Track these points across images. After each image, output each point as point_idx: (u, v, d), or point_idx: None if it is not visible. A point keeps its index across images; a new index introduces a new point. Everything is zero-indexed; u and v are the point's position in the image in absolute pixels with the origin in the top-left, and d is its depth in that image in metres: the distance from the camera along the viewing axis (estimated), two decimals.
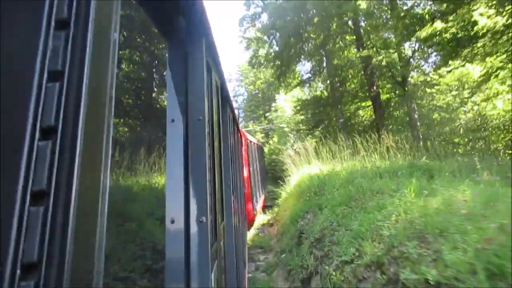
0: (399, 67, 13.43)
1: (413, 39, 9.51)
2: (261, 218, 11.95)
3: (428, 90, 14.11)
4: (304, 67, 20.56)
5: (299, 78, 19.25)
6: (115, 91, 0.58)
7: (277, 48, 16.91)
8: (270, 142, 25.46)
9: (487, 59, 8.69)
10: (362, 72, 14.81)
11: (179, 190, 1.42)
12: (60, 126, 0.46)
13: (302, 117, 18.99)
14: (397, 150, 7.88)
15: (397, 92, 14.64)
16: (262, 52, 18.16)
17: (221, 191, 2.42)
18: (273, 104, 26.53)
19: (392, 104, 15.52)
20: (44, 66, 0.47)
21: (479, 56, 8.66)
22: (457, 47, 8.68)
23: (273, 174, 20.31)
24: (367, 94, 14.74)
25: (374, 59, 12.52)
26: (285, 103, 23.75)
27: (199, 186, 1.48)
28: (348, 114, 16.82)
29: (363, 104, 16.37)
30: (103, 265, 0.49)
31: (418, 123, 13.27)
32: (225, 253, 2.45)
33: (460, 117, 13.22)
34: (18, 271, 0.40)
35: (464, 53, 8.71)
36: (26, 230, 0.41)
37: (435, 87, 13.82)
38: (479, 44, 8.22)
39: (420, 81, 14.24)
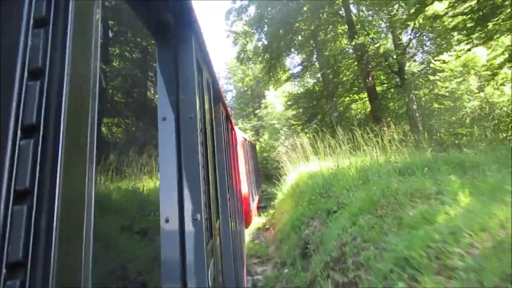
0: (396, 55, 12.89)
1: (422, 16, 8.73)
2: (255, 222, 11.04)
3: (431, 78, 13.11)
4: (294, 61, 20.08)
5: (289, 72, 18.94)
6: (106, 90, 0.58)
7: (265, 42, 16.60)
8: (261, 139, 25.03)
9: (501, 38, 7.90)
10: (356, 62, 14.35)
11: (172, 189, 1.42)
12: (42, 124, 0.46)
13: (294, 112, 18.43)
14: (399, 143, 7.31)
15: (392, 82, 14.18)
16: (250, 46, 17.81)
17: (216, 189, 2.42)
18: (263, 101, 26.11)
19: (389, 95, 15.01)
20: (24, 64, 0.47)
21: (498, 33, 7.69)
22: (480, 20, 7.54)
23: (264, 172, 19.94)
24: (363, 85, 14.26)
25: (372, 46, 12.10)
26: (275, 99, 23.37)
27: (193, 184, 1.48)
28: (341, 107, 16.40)
29: (358, 96, 15.97)
30: (90, 262, 0.49)
31: (417, 114, 12.73)
32: (222, 251, 2.45)
33: (465, 105, 12.28)
34: (4, 271, 0.39)
35: (490, 27, 7.60)
36: (10, 229, 0.41)
37: (438, 74, 12.70)
38: (502, 16, 7.19)
39: (418, 70, 13.56)
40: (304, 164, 9.74)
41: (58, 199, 0.44)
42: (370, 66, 13.59)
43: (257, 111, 28.96)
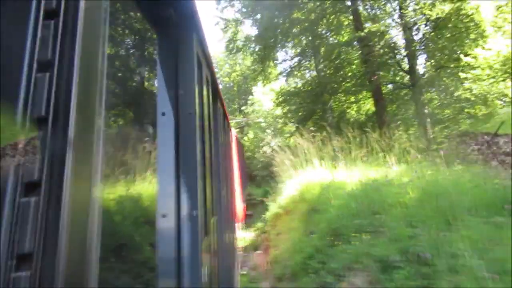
0: (413, 47, 11.45)
1: None
2: (240, 237, 8.73)
3: (462, 75, 10.68)
4: (288, 55, 18.59)
5: (283, 66, 17.36)
6: (109, 83, 0.57)
7: (258, 30, 15.30)
8: (245, 138, 23.61)
9: None
10: (360, 59, 13.10)
11: (170, 184, 1.42)
12: (50, 117, 0.46)
13: (285, 109, 16.49)
14: (418, 151, 6.25)
15: (401, 82, 12.85)
16: (241, 36, 16.54)
17: (212, 186, 2.42)
18: (250, 97, 24.85)
19: (392, 96, 13.69)
20: (33, 56, 0.47)
21: None
22: None
23: (248, 173, 18.60)
24: (367, 83, 12.94)
25: (387, 36, 11.09)
26: (263, 96, 21.97)
27: (190, 180, 1.48)
28: (336, 108, 15.18)
29: (357, 97, 14.65)
30: (98, 255, 0.49)
31: (428, 119, 11.41)
32: (217, 248, 2.45)
33: (498, 112, 10.19)
34: (12, 262, 0.40)
35: None
36: (19, 221, 0.41)
37: (471, 71, 10.13)
38: None
39: (435, 68, 11.98)
40: (307, 170, 8.03)
41: (66, 192, 0.44)
42: (375, 64, 12.04)
43: (243, 108, 27.59)
